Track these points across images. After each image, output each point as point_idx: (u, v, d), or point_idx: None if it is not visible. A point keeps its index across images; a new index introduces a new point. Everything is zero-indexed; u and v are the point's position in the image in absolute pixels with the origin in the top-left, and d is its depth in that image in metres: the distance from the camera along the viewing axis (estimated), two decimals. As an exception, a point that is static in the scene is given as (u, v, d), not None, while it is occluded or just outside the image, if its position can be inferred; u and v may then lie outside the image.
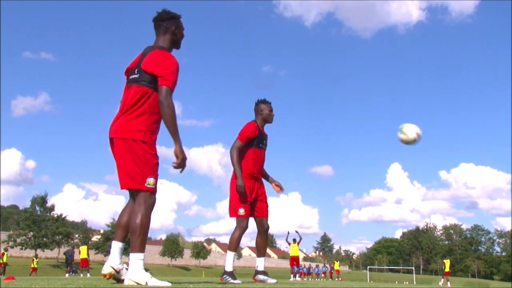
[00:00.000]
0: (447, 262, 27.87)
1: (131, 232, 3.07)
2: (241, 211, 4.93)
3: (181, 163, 3.16)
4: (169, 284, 2.95)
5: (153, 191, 3.12)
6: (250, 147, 5.07)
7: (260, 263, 5.29)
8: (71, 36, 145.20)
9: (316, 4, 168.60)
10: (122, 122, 3.16)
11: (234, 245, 4.98)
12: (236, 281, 4.76)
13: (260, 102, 5.25)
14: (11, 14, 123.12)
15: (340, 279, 31.37)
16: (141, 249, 3.06)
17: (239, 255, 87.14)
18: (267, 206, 5.19)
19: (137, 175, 3.07)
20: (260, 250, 5.30)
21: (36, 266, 27.48)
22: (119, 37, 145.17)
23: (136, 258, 3.04)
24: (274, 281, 5.23)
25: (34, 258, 28.22)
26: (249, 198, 4.99)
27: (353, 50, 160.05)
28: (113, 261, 3.23)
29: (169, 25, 3.38)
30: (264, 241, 5.23)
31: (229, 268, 4.92)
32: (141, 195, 3.09)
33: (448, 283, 27.38)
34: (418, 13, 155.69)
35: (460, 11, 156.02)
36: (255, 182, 5.11)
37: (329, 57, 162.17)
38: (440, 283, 28.64)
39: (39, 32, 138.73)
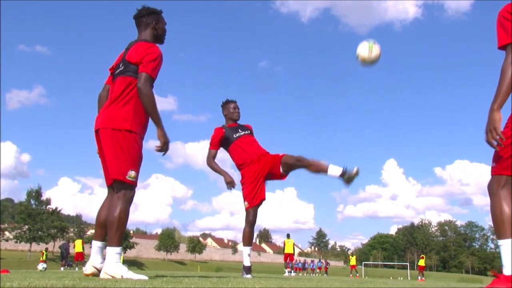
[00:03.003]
0: (422, 259, 28.48)
1: (109, 225, 3.07)
2: (245, 203, 5.11)
3: (163, 146, 3.16)
4: (146, 278, 2.94)
5: (133, 184, 3.12)
6: (230, 145, 5.32)
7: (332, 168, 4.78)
8: (67, 30, 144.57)
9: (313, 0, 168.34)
10: (108, 113, 3.18)
11: (245, 240, 5.14)
12: (246, 276, 4.92)
13: (222, 105, 5.54)
14: (7, 7, 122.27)
15: (357, 275, 29.08)
16: (118, 243, 3.06)
17: (235, 250, 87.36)
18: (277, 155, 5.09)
19: (120, 166, 3.07)
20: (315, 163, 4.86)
21: (45, 259, 26.77)
22: (115, 30, 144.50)
23: (112, 252, 3.04)
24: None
25: (44, 252, 27.28)
26: (256, 184, 5.07)
27: (349, 46, 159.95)
28: (95, 260, 3.24)
29: (148, 21, 3.42)
30: (305, 160, 4.86)
31: (245, 263, 5.12)
32: (121, 188, 3.09)
33: (423, 277, 27.96)
34: (414, 10, 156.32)
35: (456, 9, 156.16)
36: (258, 164, 5.13)
37: (325, 53, 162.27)
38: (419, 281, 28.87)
39: (34, 25, 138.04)
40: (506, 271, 2.21)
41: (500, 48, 2.46)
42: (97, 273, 3.22)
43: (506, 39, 2.42)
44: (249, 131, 5.42)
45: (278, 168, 5.07)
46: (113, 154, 3.09)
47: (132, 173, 3.08)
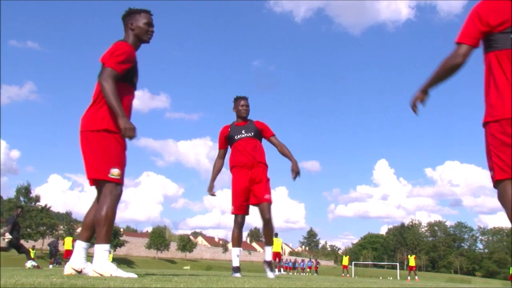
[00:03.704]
0: (412, 257, 28.18)
1: (96, 223, 3.07)
2: (232, 208, 5.18)
3: (123, 132, 3.09)
4: (135, 276, 2.93)
5: (118, 182, 3.12)
6: (231, 145, 5.35)
7: (267, 253, 5.32)
8: (58, 26, 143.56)
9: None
10: (86, 115, 3.23)
11: (233, 242, 5.27)
12: (235, 275, 5.01)
13: (233, 100, 5.48)
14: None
15: (347, 275, 27.93)
16: (106, 240, 3.06)
17: (226, 249, 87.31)
18: (264, 194, 5.14)
19: (101, 166, 3.08)
20: (264, 238, 5.36)
21: (32, 257, 26.62)
22: (106, 27, 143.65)
23: (101, 250, 3.04)
24: (272, 275, 5.23)
25: (30, 249, 27.31)
26: (243, 195, 5.15)
27: (342, 46, 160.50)
28: (74, 262, 3.21)
29: (128, 21, 3.45)
30: (266, 230, 5.20)
31: (234, 264, 5.21)
32: (106, 186, 3.10)
33: (416, 277, 27.56)
34: (407, 11, 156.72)
35: (448, 11, 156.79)
36: (249, 172, 5.15)
37: (318, 53, 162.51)
38: (408, 281, 28.10)
39: (25, 21, 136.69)
40: None
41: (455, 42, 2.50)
42: (75, 275, 3.17)
43: (461, 39, 2.46)
44: (252, 133, 5.29)
45: (254, 200, 5.16)
46: (93, 154, 3.12)
47: (115, 171, 3.09)
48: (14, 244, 11.20)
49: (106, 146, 3.10)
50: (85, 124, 3.19)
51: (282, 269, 23.35)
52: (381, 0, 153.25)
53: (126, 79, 3.27)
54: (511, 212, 2.22)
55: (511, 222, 2.23)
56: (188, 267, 49.84)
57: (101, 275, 2.95)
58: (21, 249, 11.38)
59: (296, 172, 5.21)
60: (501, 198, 2.29)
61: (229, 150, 5.42)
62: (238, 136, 5.27)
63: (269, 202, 5.12)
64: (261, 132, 5.35)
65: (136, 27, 3.42)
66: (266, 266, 5.23)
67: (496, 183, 2.32)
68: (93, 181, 3.21)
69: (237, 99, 5.42)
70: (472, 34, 2.44)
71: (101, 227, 3.04)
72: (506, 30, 2.36)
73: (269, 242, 5.27)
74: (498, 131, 2.30)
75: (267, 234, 5.21)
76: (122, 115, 3.07)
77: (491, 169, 2.36)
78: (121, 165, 3.15)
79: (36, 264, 11.14)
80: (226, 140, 5.38)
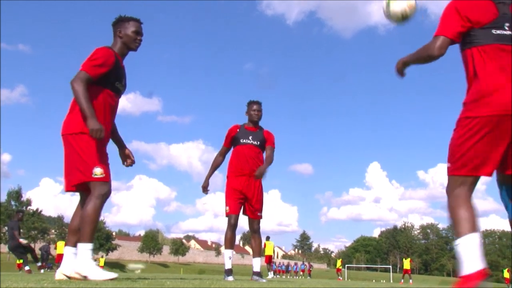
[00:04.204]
0: (407, 260, 27.93)
1: (81, 222, 3.10)
2: (227, 208, 5.17)
3: (91, 133, 3.07)
4: (115, 275, 2.97)
5: (103, 180, 3.13)
6: (235, 147, 5.34)
7: (255, 264, 5.28)
8: (49, 29, 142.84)
9: (298, 3, 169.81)
10: (65, 120, 3.27)
11: (226, 243, 5.25)
12: (227, 278, 5.00)
13: (247, 104, 5.44)
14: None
15: (410, 281, 26.79)
16: (89, 239, 3.07)
17: (218, 253, 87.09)
18: (258, 206, 5.22)
19: (83, 168, 3.10)
20: (253, 251, 5.41)
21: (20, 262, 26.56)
22: (98, 30, 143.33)
23: (83, 249, 3.05)
24: (264, 280, 5.25)
25: None
26: (239, 195, 5.16)
27: (334, 49, 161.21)
28: (64, 267, 3.22)
29: (116, 28, 3.49)
30: (255, 240, 5.32)
31: (226, 266, 5.19)
32: (92, 187, 3.11)
33: (410, 280, 27.35)
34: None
35: (439, 14, 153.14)
36: (246, 180, 5.17)
37: (310, 56, 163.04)
38: (401, 284, 27.31)
39: (16, 24, 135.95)
40: (467, 269, 2.18)
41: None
42: (67, 280, 3.18)
43: (440, 31, 2.48)
44: (258, 143, 5.27)
45: (249, 213, 5.22)
46: (74, 157, 3.14)
47: (97, 170, 3.10)
48: (16, 246, 11.41)
49: (85, 147, 3.12)
50: (64, 128, 3.23)
51: (272, 273, 23.31)
52: (372, 2, 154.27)
53: (106, 84, 3.29)
54: None
55: None
56: (139, 266, 41.41)
57: (79, 274, 2.98)
58: (24, 253, 11.73)
59: (258, 174, 5.01)
60: None
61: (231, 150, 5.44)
62: (244, 141, 5.25)
63: (261, 218, 5.28)
64: (265, 142, 5.33)
65: (124, 35, 3.45)
66: (256, 276, 5.19)
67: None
68: (73, 187, 3.22)
69: (250, 103, 5.39)
70: (452, 28, 2.43)
71: (85, 226, 3.06)
72: (487, 25, 2.36)
73: (258, 254, 5.28)
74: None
75: (256, 245, 5.28)
76: (90, 116, 3.08)
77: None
78: (103, 163, 3.17)
79: (28, 269, 11.27)
80: (232, 140, 5.36)
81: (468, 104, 2.36)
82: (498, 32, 2.35)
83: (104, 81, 3.26)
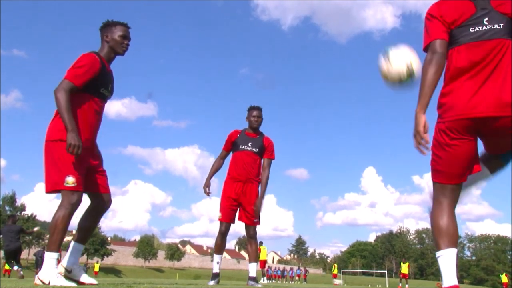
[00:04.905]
0: (405, 265, 27.77)
1: (49, 229, 3.12)
2: (219, 215, 5.20)
3: (67, 148, 3.04)
4: (74, 285, 2.98)
5: (73, 190, 3.11)
6: (233, 152, 5.36)
7: (251, 269, 5.31)
8: (44, 34, 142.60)
9: (293, 8, 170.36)
10: (49, 126, 3.25)
11: (215, 248, 5.32)
12: (209, 283, 5.10)
13: (247, 109, 5.44)
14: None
15: (406, 286, 26.43)
16: (53, 249, 3.07)
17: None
18: (254, 218, 5.22)
19: (56, 177, 3.10)
20: (249, 256, 5.39)
21: (9, 268, 26.51)
22: (94, 35, 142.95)
23: (48, 257, 3.07)
24: (259, 285, 5.31)
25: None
26: (232, 203, 5.18)
27: (329, 54, 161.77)
28: (64, 260, 3.28)
29: (104, 33, 3.49)
30: (251, 245, 5.32)
31: (213, 270, 5.28)
32: (62, 195, 3.11)
33: (407, 285, 27.17)
34: (393, 20, 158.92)
35: None
36: (241, 186, 5.19)
37: (305, 61, 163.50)
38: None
39: (11, 29, 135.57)
40: (445, 283, 2.18)
41: (424, 50, 2.41)
42: (65, 273, 3.24)
43: (427, 40, 2.38)
44: (257, 150, 5.28)
45: (245, 220, 5.22)
46: (50, 165, 3.15)
47: (69, 179, 3.09)
48: (13, 252, 11.33)
49: (61, 155, 3.10)
50: (46, 134, 3.23)
51: (265, 278, 23.28)
52: (367, 8, 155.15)
53: (91, 91, 3.27)
54: None
55: None
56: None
57: (42, 282, 2.99)
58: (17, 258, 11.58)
59: (256, 208, 5.15)
60: None
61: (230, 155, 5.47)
62: (243, 147, 5.26)
63: (258, 225, 5.27)
64: (264, 150, 5.33)
65: (111, 39, 3.44)
66: (252, 281, 5.20)
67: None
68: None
69: (250, 109, 5.39)
70: (436, 30, 2.36)
71: (53, 235, 3.07)
72: (463, 23, 2.31)
73: (254, 259, 5.29)
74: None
75: (252, 250, 5.30)
76: (71, 130, 3.05)
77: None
78: (76, 172, 3.13)
79: (21, 273, 11.23)
80: (232, 144, 5.37)
81: (437, 110, 2.37)
82: (477, 29, 2.28)
83: (89, 87, 3.24)
